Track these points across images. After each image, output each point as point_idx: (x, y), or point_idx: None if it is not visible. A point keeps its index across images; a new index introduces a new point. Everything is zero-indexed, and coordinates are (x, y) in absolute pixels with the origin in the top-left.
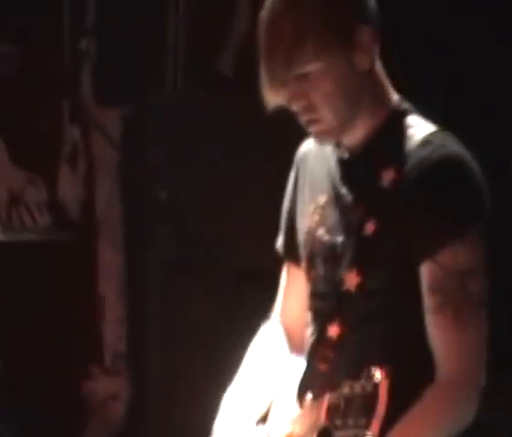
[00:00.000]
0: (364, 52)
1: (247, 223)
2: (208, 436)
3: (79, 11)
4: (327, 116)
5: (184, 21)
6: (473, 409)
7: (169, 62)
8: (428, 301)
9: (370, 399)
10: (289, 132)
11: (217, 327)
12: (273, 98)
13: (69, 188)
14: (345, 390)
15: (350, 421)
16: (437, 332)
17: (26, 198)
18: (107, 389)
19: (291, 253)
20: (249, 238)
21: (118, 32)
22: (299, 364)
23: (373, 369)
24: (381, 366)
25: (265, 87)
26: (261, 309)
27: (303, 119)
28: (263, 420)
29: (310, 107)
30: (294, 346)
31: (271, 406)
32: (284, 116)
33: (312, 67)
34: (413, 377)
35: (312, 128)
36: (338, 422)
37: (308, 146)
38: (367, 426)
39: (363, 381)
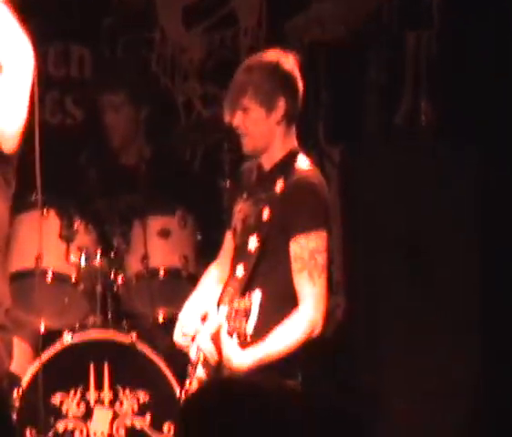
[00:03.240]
0: (278, 111)
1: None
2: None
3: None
4: (249, 136)
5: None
6: (317, 330)
7: (368, 119)
8: (293, 265)
9: (247, 309)
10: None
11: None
12: (227, 116)
13: None
14: (235, 304)
15: (236, 324)
16: (298, 285)
17: None
18: (334, 301)
19: (230, 224)
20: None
21: (336, 100)
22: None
23: (252, 292)
24: (264, 290)
25: (224, 108)
26: None
27: (239, 132)
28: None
29: (243, 129)
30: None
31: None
32: None
33: (246, 105)
34: (285, 304)
35: (242, 140)
36: (231, 323)
37: (244, 167)
38: (246, 325)
39: (245, 299)
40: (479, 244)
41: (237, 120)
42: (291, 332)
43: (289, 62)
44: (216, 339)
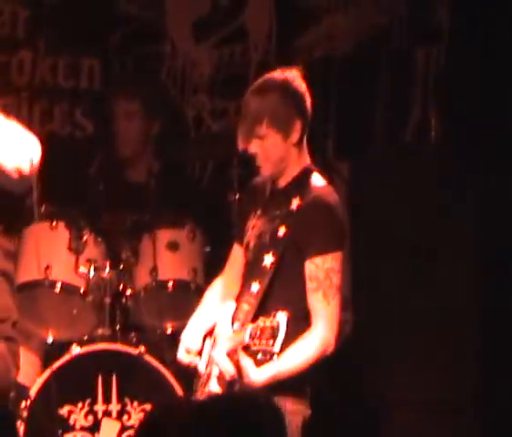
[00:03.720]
0: (295, 135)
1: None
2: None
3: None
4: (266, 162)
5: (385, 107)
6: (330, 349)
7: (377, 134)
8: (308, 284)
9: (275, 328)
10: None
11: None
12: (242, 144)
13: None
14: (260, 323)
15: (262, 342)
16: (312, 305)
17: None
18: (343, 317)
19: (239, 238)
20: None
21: (345, 115)
22: (230, 305)
23: (277, 311)
24: (283, 309)
25: (239, 137)
26: None
27: (257, 159)
28: (209, 334)
29: (261, 155)
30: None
31: (214, 327)
32: None
33: (263, 133)
34: (299, 322)
35: (259, 164)
36: (256, 342)
37: (255, 181)
38: (273, 345)
39: (271, 318)
40: (479, 245)
41: (253, 148)
42: (305, 351)
43: (296, 78)
44: (232, 355)
